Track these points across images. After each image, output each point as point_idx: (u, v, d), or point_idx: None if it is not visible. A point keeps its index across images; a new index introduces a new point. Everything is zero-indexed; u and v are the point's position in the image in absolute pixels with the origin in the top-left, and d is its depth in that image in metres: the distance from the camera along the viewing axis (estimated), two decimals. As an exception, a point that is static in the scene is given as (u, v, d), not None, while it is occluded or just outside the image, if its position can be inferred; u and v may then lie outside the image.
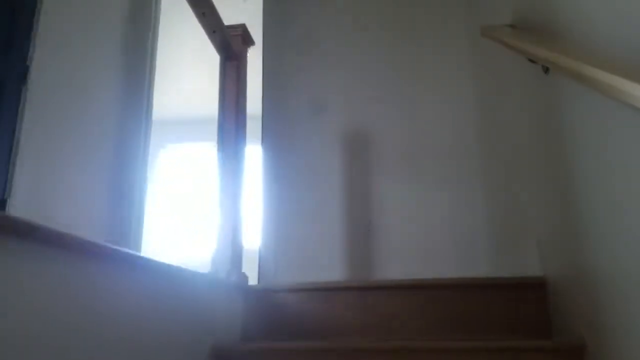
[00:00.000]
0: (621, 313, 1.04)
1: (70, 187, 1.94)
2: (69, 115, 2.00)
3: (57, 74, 1.94)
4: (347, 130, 2.45)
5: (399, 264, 2.16)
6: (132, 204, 2.34)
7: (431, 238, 2.20)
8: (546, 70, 1.41)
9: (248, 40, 1.95)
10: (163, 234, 4.85)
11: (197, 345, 1.24)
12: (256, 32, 3.09)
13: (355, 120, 2.47)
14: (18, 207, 1.62)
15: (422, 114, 2.42)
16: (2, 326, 0.68)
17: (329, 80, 2.55)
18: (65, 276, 0.82)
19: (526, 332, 1.42)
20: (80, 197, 2.01)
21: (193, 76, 4.56)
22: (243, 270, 1.65)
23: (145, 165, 2.51)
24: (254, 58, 4.11)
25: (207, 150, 4.70)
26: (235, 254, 1.64)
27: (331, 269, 2.23)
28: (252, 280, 2.28)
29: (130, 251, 1.19)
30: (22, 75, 1.74)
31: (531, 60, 1.43)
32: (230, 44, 1.83)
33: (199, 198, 4.80)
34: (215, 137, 1.79)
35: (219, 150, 1.77)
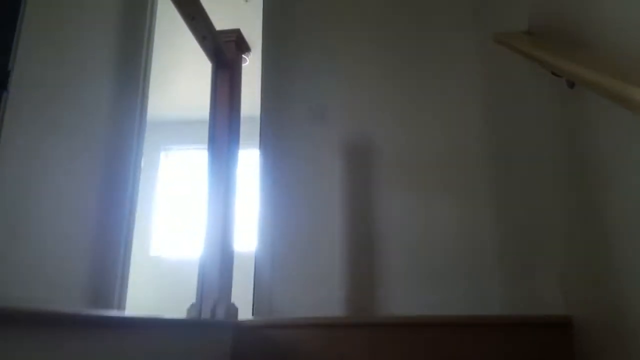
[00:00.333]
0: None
1: (57, 191, 1.90)
2: (56, 117, 1.94)
3: (43, 75, 1.87)
4: (348, 138, 2.31)
5: (401, 287, 2.01)
6: (122, 206, 2.30)
7: (437, 260, 2.04)
8: (571, 85, 1.26)
9: (243, 47, 1.81)
10: (166, 235, 4.83)
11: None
12: (258, 35, 2.96)
13: (357, 127, 2.32)
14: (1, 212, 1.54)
15: (428, 124, 2.26)
16: None
17: (330, 86, 2.40)
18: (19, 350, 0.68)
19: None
20: (68, 201, 1.98)
21: (197, 78, 4.43)
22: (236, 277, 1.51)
23: (137, 168, 2.45)
24: (256, 59, 3.96)
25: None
26: (224, 279, 1.50)
27: (330, 284, 2.08)
28: (247, 288, 2.15)
29: (87, 313, 1.04)
30: (2, 82, 1.62)
31: (554, 74, 1.28)
32: (222, 50, 1.69)
33: (201, 201, 4.70)
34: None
35: (209, 166, 1.64)
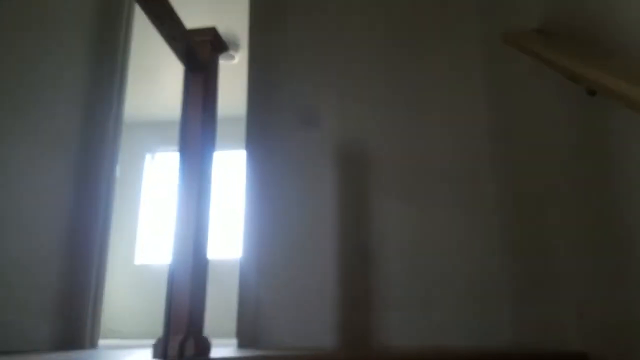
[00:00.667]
0: None
1: (28, 191, 1.93)
2: (25, 117, 1.96)
3: (9, 73, 1.89)
4: (341, 140, 2.13)
5: (399, 311, 1.84)
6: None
7: (438, 280, 1.87)
8: (592, 93, 1.09)
9: (219, 47, 1.62)
10: (152, 242, 4.66)
11: None
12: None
13: (351, 130, 2.13)
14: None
15: (428, 129, 2.08)
16: None
17: (322, 88, 2.22)
18: None
19: None
20: (39, 202, 2.00)
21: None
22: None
23: (112, 170, 2.42)
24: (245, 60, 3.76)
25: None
26: (195, 306, 1.32)
27: (320, 302, 1.91)
28: (232, 292, 1.99)
29: None
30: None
31: (573, 79, 1.11)
32: (195, 52, 1.50)
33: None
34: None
35: (179, 182, 1.45)
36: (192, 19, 3.63)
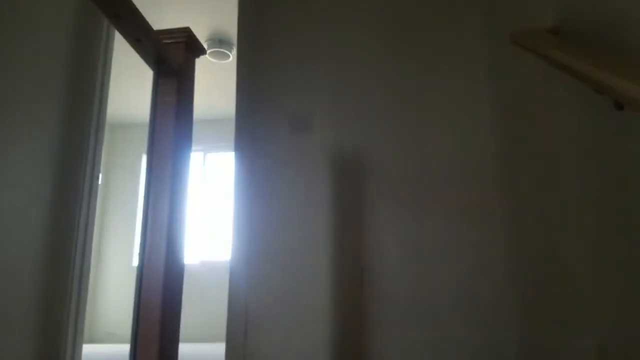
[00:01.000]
0: None
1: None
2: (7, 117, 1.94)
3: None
4: (335, 145, 1.96)
5: (398, 326, 1.68)
6: (77, 205, 2.24)
7: (440, 299, 1.71)
8: (620, 107, 0.91)
9: (195, 49, 1.46)
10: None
11: None
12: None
13: (345, 135, 1.96)
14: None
15: (429, 136, 1.91)
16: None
17: (315, 92, 2.05)
18: None
19: None
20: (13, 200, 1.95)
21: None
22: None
23: (93, 171, 2.35)
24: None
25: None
26: (168, 318, 1.17)
27: (314, 315, 1.75)
28: (222, 303, 1.86)
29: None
30: None
31: (597, 90, 0.93)
32: (162, 56, 1.34)
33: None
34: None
35: (146, 188, 1.30)
36: (185, 18, 3.47)
